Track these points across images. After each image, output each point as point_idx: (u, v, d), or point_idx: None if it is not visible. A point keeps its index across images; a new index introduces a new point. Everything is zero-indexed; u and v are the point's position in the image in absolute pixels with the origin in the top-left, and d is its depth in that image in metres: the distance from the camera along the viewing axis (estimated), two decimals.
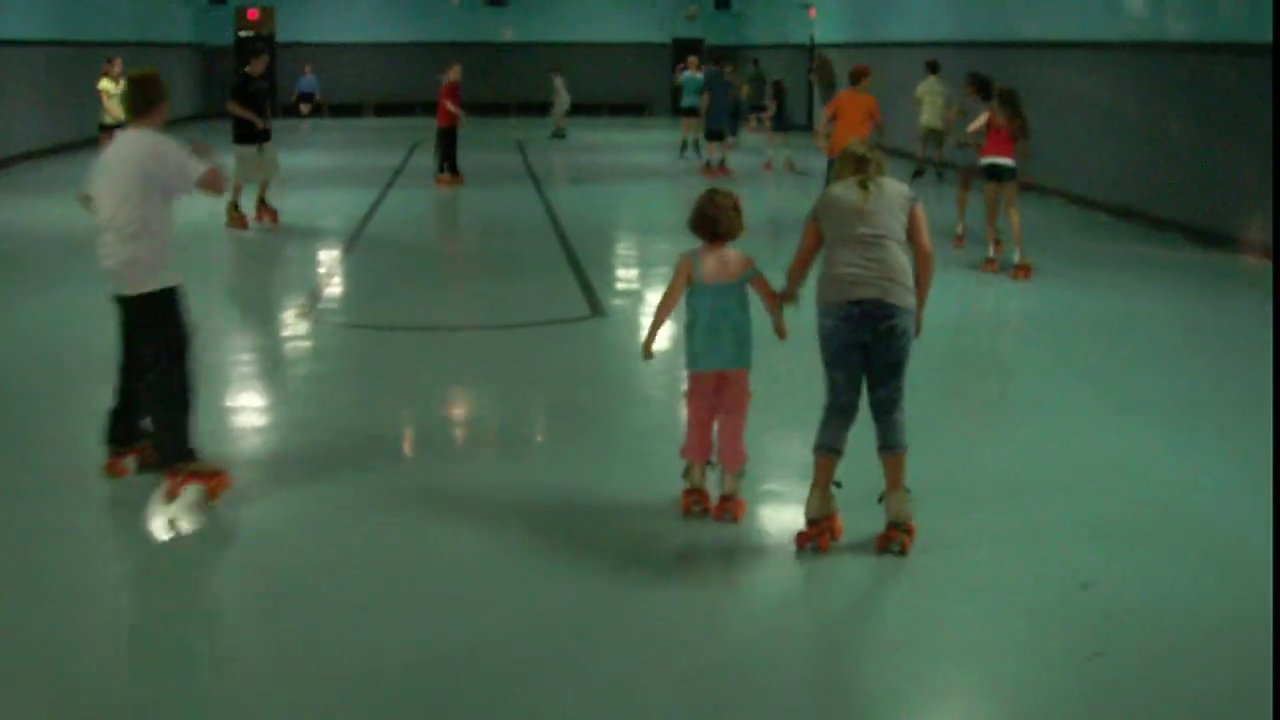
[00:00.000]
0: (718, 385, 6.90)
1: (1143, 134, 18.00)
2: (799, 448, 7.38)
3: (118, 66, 21.31)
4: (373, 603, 6.00)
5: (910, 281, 6.50)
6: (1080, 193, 19.79)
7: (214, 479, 7.22)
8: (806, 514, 6.61)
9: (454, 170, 22.17)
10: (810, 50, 34.90)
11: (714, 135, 24.04)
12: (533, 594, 6.08)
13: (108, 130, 19.25)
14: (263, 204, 17.57)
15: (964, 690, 5.42)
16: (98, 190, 7.24)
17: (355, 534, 6.85)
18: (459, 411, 9.33)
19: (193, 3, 40.80)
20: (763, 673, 5.34)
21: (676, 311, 7.04)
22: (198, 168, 7.18)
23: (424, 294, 13.54)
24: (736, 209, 6.86)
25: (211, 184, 7.32)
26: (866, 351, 6.43)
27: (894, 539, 6.53)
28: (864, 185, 6.55)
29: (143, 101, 7.28)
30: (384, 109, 42.17)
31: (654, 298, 12.56)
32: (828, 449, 6.59)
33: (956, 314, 12.07)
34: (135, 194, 7.04)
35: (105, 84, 21.27)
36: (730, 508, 6.93)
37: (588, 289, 13.14)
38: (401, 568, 6.41)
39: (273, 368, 10.49)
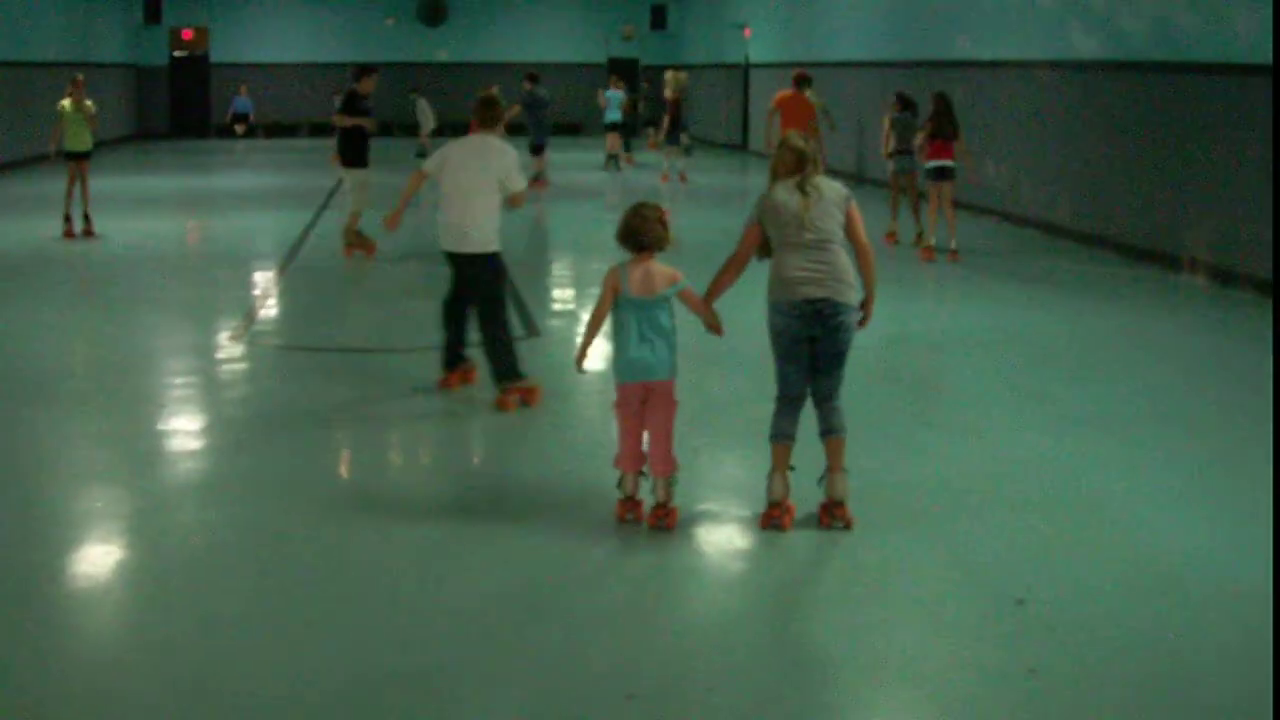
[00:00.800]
0: (645, 396, 7.05)
1: (1078, 152, 18.19)
2: (732, 467, 7.46)
3: (80, 88, 19.27)
4: (307, 622, 5.97)
5: (853, 279, 6.92)
6: (1016, 211, 19.97)
7: (530, 392, 9.54)
8: (769, 497, 7.03)
9: None
10: (649, 73, 35.03)
11: (536, 150, 25.37)
12: (469, 608, 6.09)
13: (72, 158, 17.89)
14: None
15: (899, 706, 5.44)
16: (451, 176, 9.42)
17: (289, 554, 6.83)
18: (394, 433, 9.32)
19: (126, 23, 40.55)
20: (690, 697, 5.38)
21: (609, 326, 7.17)
22: (520, 181, 9.63)
23: (359, 315, 13.53)
24: (662, 222, 7.04)
25: (519, 200, 9.70)
26: (813, 345, 6.89)
27: (837, 516, 7.04)
28: (804, 190, 6.88)
29: (490, 116, 9.69)
30: (319, 129, 42.05)
31: (589, 316, 12.57)
32: (784, 436, 7.04)
33: (893, 331, 12.14)
34: (483, 180, 9.37)
35: (65, 103, 19.15)
36: (663, 515, 7.09)
37: (522, 309, 13.16)
38: (334, 587, 6.39)
39: (207, 390, 10.44)
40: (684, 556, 6.87)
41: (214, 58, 42.42)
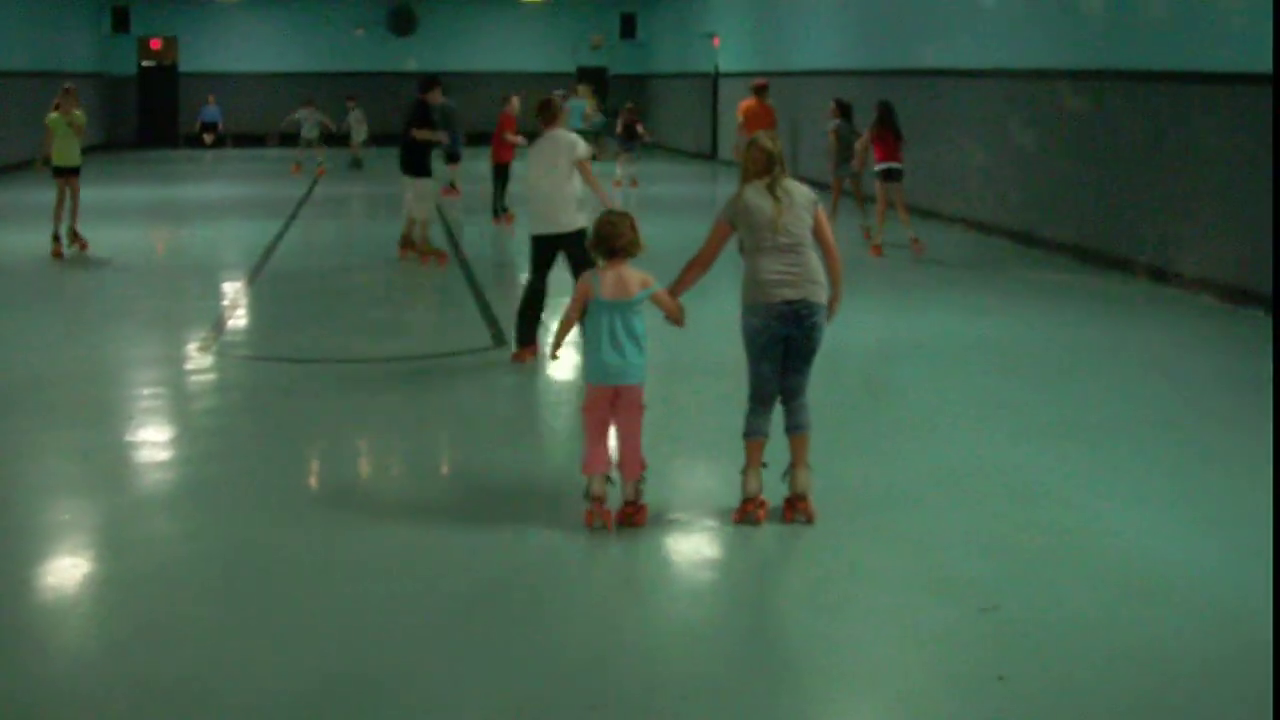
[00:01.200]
0: (613, 399, 7.20)
1: (1038, 159, 18.29)
2: (702, 476, 7.48)
3: (72, 97, 18.53)
4: (274, 630, 5.97)
5: (823, 279, 7.25)
6: (978, 218, 20.06)
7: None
8: (745, 493, 7.30)
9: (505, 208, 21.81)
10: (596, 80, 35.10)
11: (452, 159, 26.16)
12: (435, 615, 6.10)
13: (61, 174, 17.33)
14: (411, 242, 17.14)
15: (868, 713, 5.48)
16: (534, 169, 11.05)
17: (257, 564, 6.83)
18: (361, 443, 9.32)
19: (94, 32, 40.44)
20: (658, 706, 5.40)
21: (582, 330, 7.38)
22: (586, 150, 11.22)
23: (328, 325, 13.50)
24: (633, 228, 7.25)
25: (587, 167, 11.15)
26: (788, 344, 7.17)
27: (800, 510, 7.31)
28: (776, 195, 7.16)
29: (550, 115, 11.21)
30: (288, 139, 41.94)
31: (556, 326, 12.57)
32: (759, 433, 7.31)
33: (863, 340, 12.20)
34: (561, 169, 10.87)
35: (53, 116, 18.56)
36: (633, 513, 7.25)
37: (490, 318, 13.18)
38: (302, 595, 6.39)
39: (175, 401, 10.43)
40: (651, 566, 6.90)
41: (183, 67, 42.34)
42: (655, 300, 7.26)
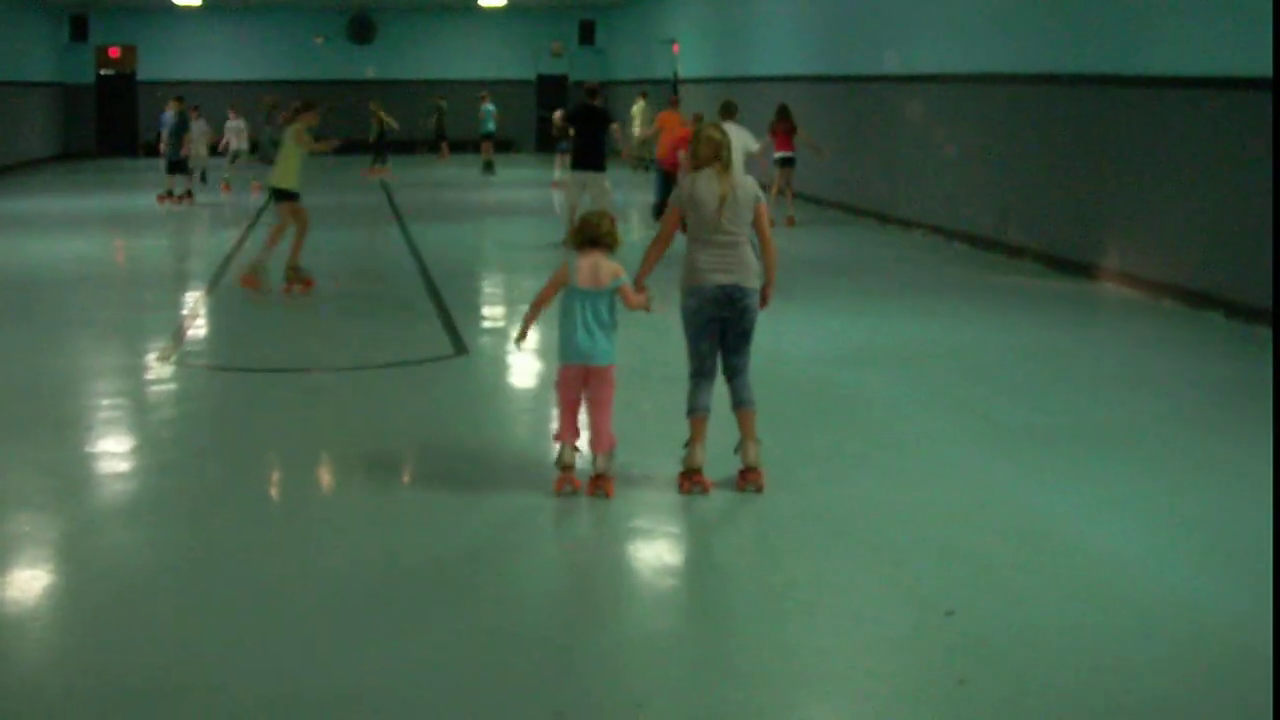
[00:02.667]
0: (585, 377, 7.79)
1: (1002, 164, 18.38)
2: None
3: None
4: (234, 642, 5.95)
5: (756, 268, 7.92)
6: (941, 224, 20.14)
7: None
8: (690, 465, 7.90)
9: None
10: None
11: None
12: (403, 628, 6.09)
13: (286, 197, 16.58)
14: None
15: (829, 717, 5.48)
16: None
17: (218, 575, 6.80)
18: (323, 453, 9.29)
19: (52, 40, 40.23)
20: (621, 714, 5.40)
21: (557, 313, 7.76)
22: (755, 143, 12.72)
23: (287, 335, 13.47)
24: (612, 223, 7.97)
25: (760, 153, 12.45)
26: (723, 325, 7.83)
27: (750, 480, 7.94)
28: (722, 196, 7.76)
29: (727, 112, 11.77)
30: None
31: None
32: (702, 409, 7.93)
33: (826, 346, 12.24)
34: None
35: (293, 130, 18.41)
36: (602, 485, 7.83)
37: (451, 328, 13.17)
38: (263, 605, 6.37)
39: (135, 412, 10.38)
40: (613, 576, 6.91)
41: (141, 76, 42.14)
42: (622, 294, 7.83)
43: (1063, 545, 7.16)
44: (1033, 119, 17.42)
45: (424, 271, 17.19)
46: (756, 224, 7.95)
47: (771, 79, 27.63)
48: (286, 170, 15.25)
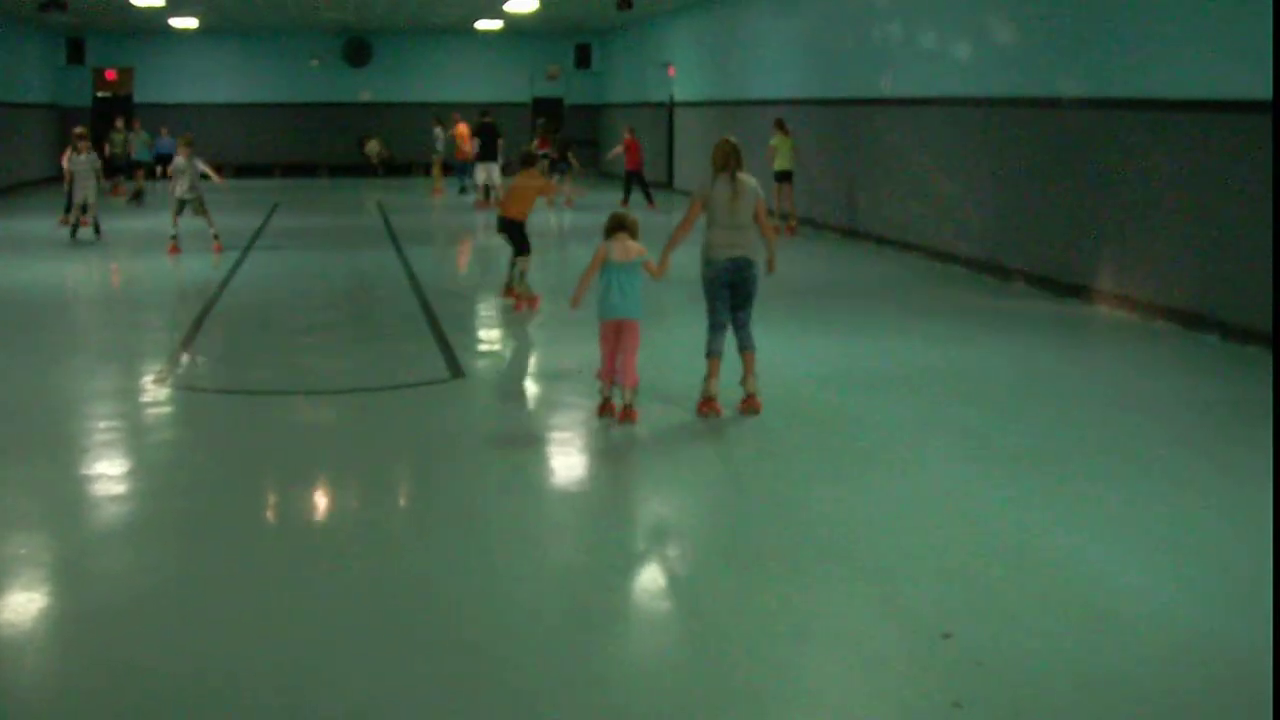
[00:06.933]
0: (618, 330, 10.09)
1: (995, 187, 18.42)
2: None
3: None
4: (231, 669, 5.94)
5: (759, 245, 10.40)
6: (935, 247, 20.18)
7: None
8: (707, 394, 10.37)
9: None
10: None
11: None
12: (376, 678, 6.10)
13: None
14: None
15: None
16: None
17: (213, 598, 6.81)
18: (318, 477, 9.29)
19: (49, 63, 40.29)
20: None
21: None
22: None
23: (284, 358, 13.48)
24: (634, 217, 10.42)
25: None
26: (732, 289, 10.31)
27: (751, 405, 10.46)
28: (735, 191, 10.22)
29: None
30: (244, 170, 41.94)
31: (515, 358, 12.74)
32: (716, 353, 10.40)
33: (822, 369, 12.26)
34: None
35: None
36: (629, 414, 10.16)
37: (447, 351, 13.18)
38: (259, 630, 6.37)
39: (131, 434, 10.38)
40: (607, 596, 6.91)
41: (138, 98, 42.23)
42: (646, 268, 10.17)
43: (1057, 566, 7.16)
44: (1027, 142, 17.46)
45: (419, 293, 17.19)
46: (758, 215, 10.35)
47: (766, 102, 27.70)
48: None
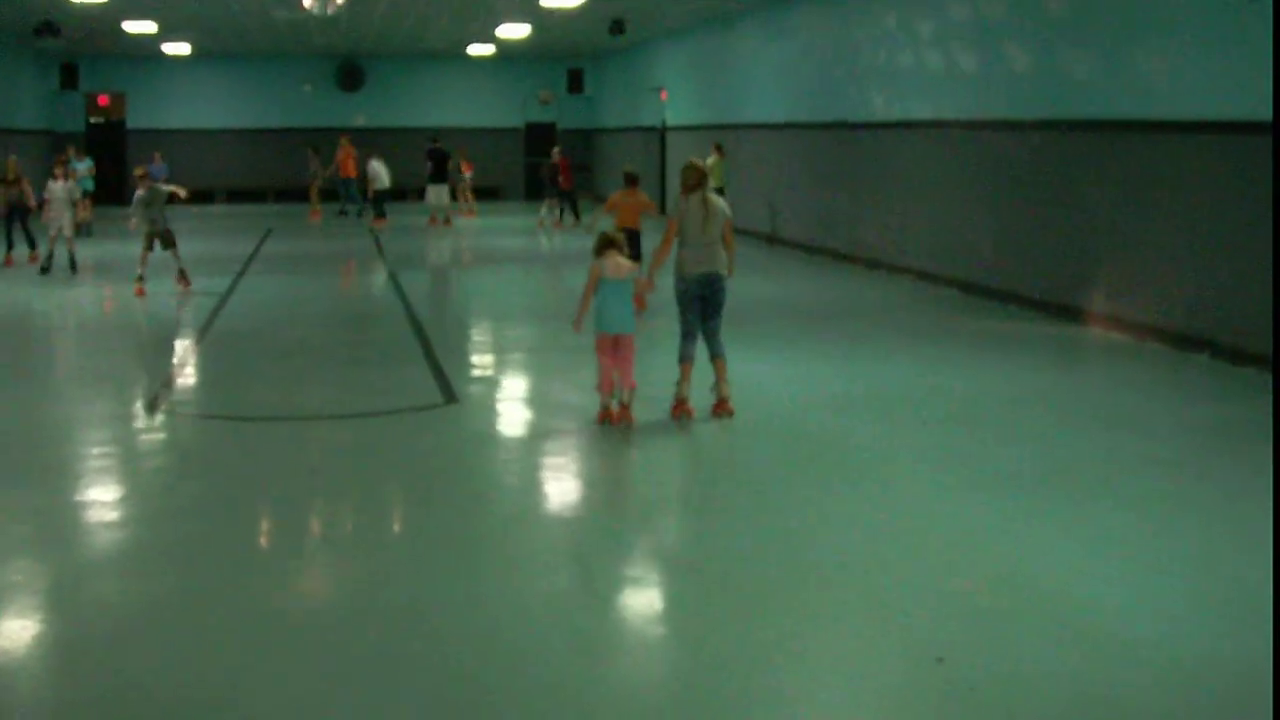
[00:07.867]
0: (615, 343, 10.73)
1: (987, 210, 18.45)
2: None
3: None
4: (224, 695, 5.94)
5: (725, 260, 11.21)
6: (927, 269, 20.21)
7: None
8: (679, 396, 11.13)
9: None
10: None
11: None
12: (368, 706, 6.09)
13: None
14: None
15: None
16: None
17: (208, 624, 6.80)
18: (311, 502, 9.28)
19: (42, 88, 40.30)
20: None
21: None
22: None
23: (277, 383, 13.47)
24: (624, 239, 11.17)
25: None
26: (703, 301, 11.12)
27: (723, 409, 11.18)
28: (706, 211, 11.03)
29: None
30: (236, 195, 41.96)
31: (508, 383, 12.75)
32: (688, 358, 11.16)
33: (812, 392, 12.27)
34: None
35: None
36: (626, 416, 10.90)
37: (441, 376, 13.18)
38: (253, 656, 6.37)
39: (125, 460, 10.38)
40: (602, 624, 6.91)
41: (131, 124, 42.24)
42: (635, 284, 10.89)
43: (1050, 590, 7.15)
44: (1020, 164, 17.51)
45: (413, 319, 17.20)
46: (725, 233, 11.17)
47: (758, 126, 27.77)
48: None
